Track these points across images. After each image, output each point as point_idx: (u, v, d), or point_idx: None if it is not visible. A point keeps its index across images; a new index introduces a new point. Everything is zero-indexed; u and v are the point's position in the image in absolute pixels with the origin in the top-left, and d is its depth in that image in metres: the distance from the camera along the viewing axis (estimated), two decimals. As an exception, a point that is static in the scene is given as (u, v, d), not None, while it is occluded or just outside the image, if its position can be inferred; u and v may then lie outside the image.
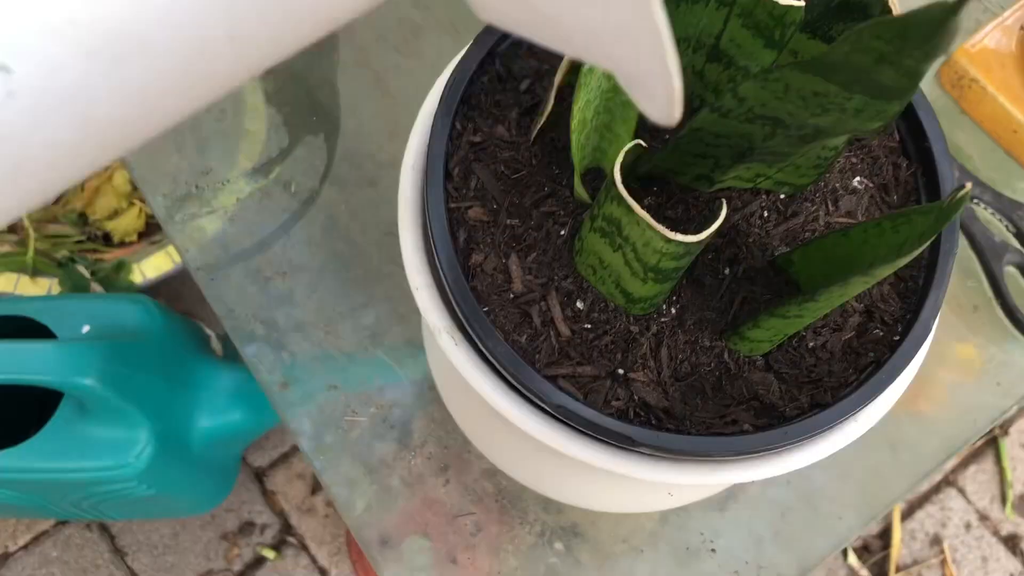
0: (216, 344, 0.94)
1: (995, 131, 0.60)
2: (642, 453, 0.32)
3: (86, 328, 0.81)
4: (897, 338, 0.33)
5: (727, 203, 0.34)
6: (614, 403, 0.32)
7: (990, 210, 0.58)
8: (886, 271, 0.25)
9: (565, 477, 0.41)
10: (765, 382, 0.33)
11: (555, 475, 0.42)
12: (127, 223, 0.97)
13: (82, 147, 0.21)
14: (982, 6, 0.64)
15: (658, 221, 0.31)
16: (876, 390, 0.32)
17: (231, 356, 0.94)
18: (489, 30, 0.35)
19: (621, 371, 0.32)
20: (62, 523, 1.03)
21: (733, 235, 0.35)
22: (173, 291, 1.08)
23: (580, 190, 0.33)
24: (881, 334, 0.33)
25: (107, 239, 0.98)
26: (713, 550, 0.50)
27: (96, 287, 0.93)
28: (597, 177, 0.35)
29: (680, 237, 0.27)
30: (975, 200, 0.58)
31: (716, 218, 0.27)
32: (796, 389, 0.33)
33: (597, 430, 0.31)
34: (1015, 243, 0.58)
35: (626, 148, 0.28)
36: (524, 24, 0.21)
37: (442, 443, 0.50)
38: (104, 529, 1.03)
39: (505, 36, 0.35)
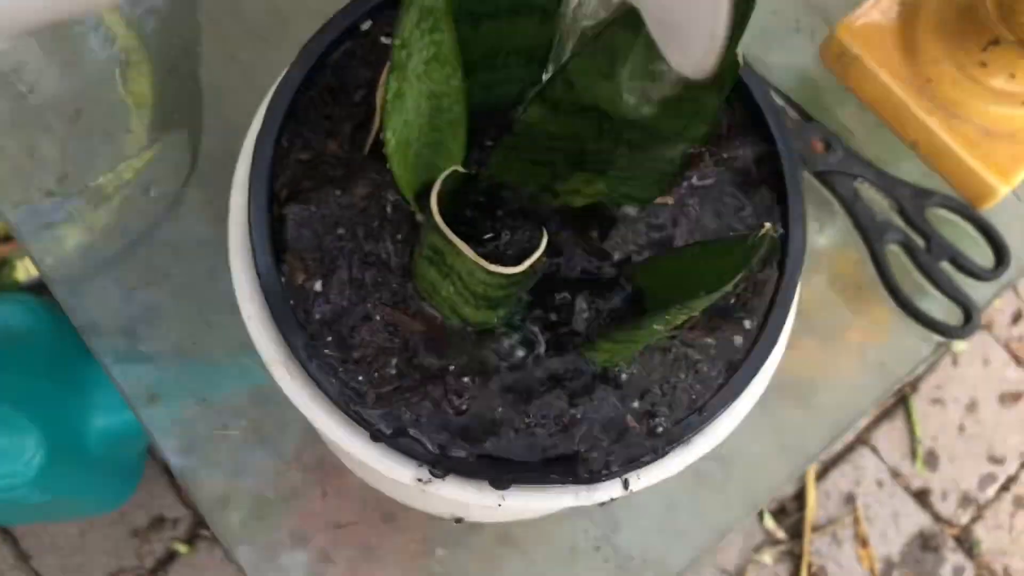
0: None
1: (878, 108, 0.60)
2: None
3: (-35, 333, 0.77)
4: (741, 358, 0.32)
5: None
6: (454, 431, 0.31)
7: (873, 188, 0.58)
8: (689, 311, 0.24)
9: (415, 496, 0.40)
10: (612, 399, 0.32)
11: (413, 495, 0.41)
12: (12, 217, 0.93)
13: None
14: (865, -21, 0.64)
15: (497, 242, 0.30)
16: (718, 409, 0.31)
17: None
18: (317, 39, 0.33)
19: (457, 392, 0.31)
20: (-39, 528, 1.00)
21: (590, 245, 0.34)
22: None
23: (417, 210, 0.32)
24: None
25: (-9, 234, 0.94)
26: (598, 547, 0.49)
27: (-23, 287, 0.89)
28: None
29: (500, 269, 0.26)
30: (858, 179, 0.58)
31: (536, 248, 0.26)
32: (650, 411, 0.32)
33: (439, 464, 0.30)
34: (898, 221, 0.58)
35: (442, 177, 0.27)
36: None
37: (318, 453, 0.49)
38: (7, 533, 1.00)
39: (336, 45, 0.33)
